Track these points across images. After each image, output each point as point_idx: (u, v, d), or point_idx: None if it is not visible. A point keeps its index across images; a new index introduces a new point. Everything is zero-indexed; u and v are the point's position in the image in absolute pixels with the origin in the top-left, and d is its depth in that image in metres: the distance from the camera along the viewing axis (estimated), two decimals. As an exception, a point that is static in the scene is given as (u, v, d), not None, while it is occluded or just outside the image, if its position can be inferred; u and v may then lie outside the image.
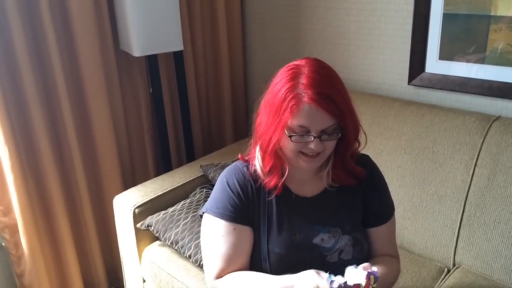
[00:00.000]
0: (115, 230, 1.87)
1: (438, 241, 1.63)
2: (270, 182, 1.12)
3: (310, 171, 1.15)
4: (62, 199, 1.89)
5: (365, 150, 1.79)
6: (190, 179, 1.91)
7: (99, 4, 1.89)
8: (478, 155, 1.56)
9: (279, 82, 1.04)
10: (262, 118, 1.08)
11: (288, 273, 1.08)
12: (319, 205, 1.16)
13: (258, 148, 1.13)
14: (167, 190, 1.82)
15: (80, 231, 2.01)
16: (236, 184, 1.14)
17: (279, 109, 1.02)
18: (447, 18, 1.75)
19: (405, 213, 1.70)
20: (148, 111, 2.18)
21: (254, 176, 1.14)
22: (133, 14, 1.81)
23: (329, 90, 1.00)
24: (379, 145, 1.78)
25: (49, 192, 1.85)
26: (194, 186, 1.88)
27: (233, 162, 1.23)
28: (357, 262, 1.12)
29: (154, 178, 1.93)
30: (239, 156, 1.20)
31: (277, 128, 1.03)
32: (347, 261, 1.12)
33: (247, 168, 1.16)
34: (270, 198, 1.13)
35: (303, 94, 0.99)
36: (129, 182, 2.11)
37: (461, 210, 1.57)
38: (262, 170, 1.13)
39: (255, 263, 1.14)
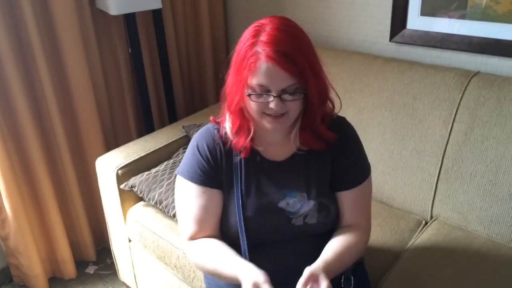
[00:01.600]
0: (99, 191, 1.88)
1: (417, 195, 1.67)
2: (238, 143, 1.12)
3: (277, 133, 1.13)
4: (44, 162, 1.88)
5: (347, 108, 1.82)
6: (173, 140, 1.91)
7: (72, -40, 1.82)
8: (456, 111, 1.58)
9: (242, 41, 1.02)
10: (228, 78, 1.07)
11: (258, 235, 1.13)
12: (287, 169, 1.16)
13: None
14: (150, 151, 1.82)
15: (63, 193, 2.01)
16: (206, 148, 1.15)
17: (240, 68, 1.01)
18: (429, -28, 1.74)
19: (385, 169, 1.73)
20: (128, 71, 2.14)
21: (224, 139, 1.14)
22: (108, -30, 1.75)
23: (289, 48, 0.97)
24: (360, 102, 1.79)
25: (30, 154, 1.84)
26: (177, 147, 1.88)
27: (206, 124, 1.23)
28: (323, 226, 1.15)
29: (137, 140, 1.92)
30: (211, 118, 1.19)
31: (239, 87, 1.02)
32: (312, 225, 1.13)
33: (218, 131, 1.16)
34: (237, 160, 1.14)
35: (261, 52, 0.97)
36: (111, 143, 2.10)
37: (439, 165, 1.61)
38: (231, 132, 1.13)
39: (225, 225, 1.17)
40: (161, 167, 1.73)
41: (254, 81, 0.99)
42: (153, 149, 1.83)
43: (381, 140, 1.73)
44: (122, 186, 1.70)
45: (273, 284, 1.01)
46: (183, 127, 1.95)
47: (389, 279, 1.38)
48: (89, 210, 2.11)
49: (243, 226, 1.13)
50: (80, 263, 2.17)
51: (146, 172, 1.70)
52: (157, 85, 2.27)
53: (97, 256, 2.21)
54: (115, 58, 2.09)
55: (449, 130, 1.59)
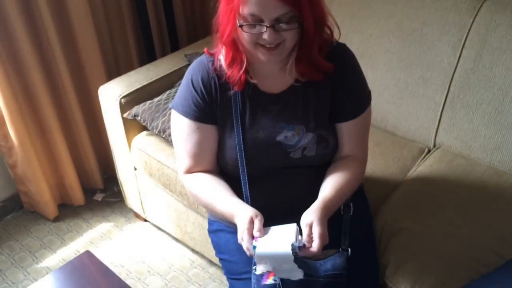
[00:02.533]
0: (103, 119, 1.88)
1: (421, 123, 1.67)
2: (233, 75, 1.08)
3: (273, 65, 1.09)
4: (46, 90, 1.86)
5: (353, 35, 1.76)
6: (175, 68, 1.87)
7: None
8: (466, 36, 1.53)
9: None
10: (220, 6, 1.01)
11: (255, 168, 1.12)
12: (284, 101, 1.13)
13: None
14: (152, 80, 1.80)
15: (67, 121, 2.02)
16: (200, 82, 1.11)
17: None
18: None
19: (390, 98, 1.71)
20: (128, -2, 2.06)
21: (219, 71, 1.11)
22: None
23: None
24: (367, 29, 1.73)
25: (32, 83, 1.82)
26: (179, 76, 1.83)
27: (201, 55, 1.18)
28: (321, 158, 1.15)
29: (138, 69, 1.89)
30: (205, 50, 1.14)
31: (230, 17, 0.98)
32: (310, 157, 1.13)
33: (212, 63, 1.12)
34: (231, 93, 1.11)
35: None
36: (112, 71, 2.07)
37: (445, 93, 1.59)
38: (225, 63, 1.09)
39: (222, 160, 1.17)
40: (163, 96, 1.71)
41: (245, 10, 0.94)
42: (156, 78, 1.80)
43: (388, 68, 1.70)
44: (125, 115, 1.70)
45: (272, 215, 1.03)
46: (185, 56, 1.91)
47: (389, 204, 1.41)
48: (94, 138, 2.12)
49: (244, 161, 1.12)
50: (88, 191, 2.22)
51: (149, 101, 1.69)
52: (158, 11, 2.20)
53: (104, 183, 2.26)
54: (113, -18, 2.01)
55: (457, 57, 1.56)
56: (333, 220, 1.09)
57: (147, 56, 2.15)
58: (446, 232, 1.27)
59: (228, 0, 0.97)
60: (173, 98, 1.67)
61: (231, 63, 1.08)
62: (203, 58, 1.15)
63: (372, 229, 1.31)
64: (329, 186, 1.10)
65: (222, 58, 1.10)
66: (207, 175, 1.17)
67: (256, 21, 0.95)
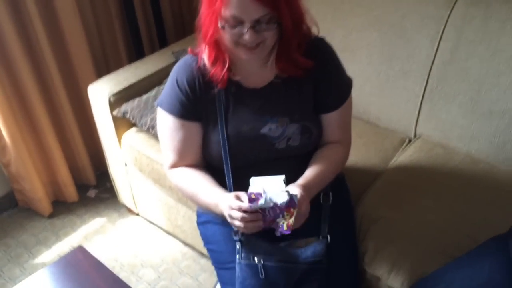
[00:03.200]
0: (94, 117, 1.92)
1: (402, 114, 1.72)
2: (215, 74, 1.12)
3: (254, 62, 1.13)
4: (37, 89, 1.90)
5: (335, 29, 1.80)
6: (163, 66, 1.91)
7: None
8: (443, 29, 1.58)
9: None
10: (202, 8, 1.05)
11: (240, 161, 1.17)
12: (267, 95, 1.17)
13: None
14: (141, 78, 1.84)
15: (59, 119, 2.05)
16: (185, 81, 1.15)
17: None
18: None
19: (372, 90, 1.76)
20: (115, -5, 2.09)
21: (203, 70, 1.14)
22: None
23: None
24: (349, 23, 1.78)
25: (22, 82, 1.85)
26: (167, 73, 1.82)
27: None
28: (305, 148, 1.20)
29: (127, 66, 1.93)
30: (189, 49, 1.18)
31: (212, 19, 1.01)
32: (294, 147, 1.18)
33: (196, 62, 1.15)
34: (215, 91, 1.15)
35: None
36: (102, 69, 2.11)
37: (424, 84, 1.64)
38: (209, 63, 1.13)
39: (207, 155, 1.21)
40: (152, 93, 1.76)
41: (227, 12, 0.98)
42: (144, 76, 1.84)
43: (369, 61, 1.75)
44: (114, 113, 1.74)
45: None
46: (172, 53, 1.95)
47: (370, 193, 1.47)
48: (86, 135, 2.16)
49: (227, 156, 1.16)
50: (81, 187, 2.27)
51: (138, 98, 1.74)
52: (146, 8, 2.23)
53: (97, 180, 2.30)
54: (100, -19, 2.04)
55: (435, 49, 1.60)
56: (313, 209, 1.15)
57: (136, 53, 2.19)
58: (423, 219, 1.33)
59: (210, 3, 1.00)
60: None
61: (214, 62, 1.12)
62: (187, 58, 1.18)
63: (353, 217, 1.36)
64: (312, 167, 1.17)
65: (205, 57, 1.14)
66: (191, 169, 1.21)
67: (237, 22, 0.99)
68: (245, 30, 0.99)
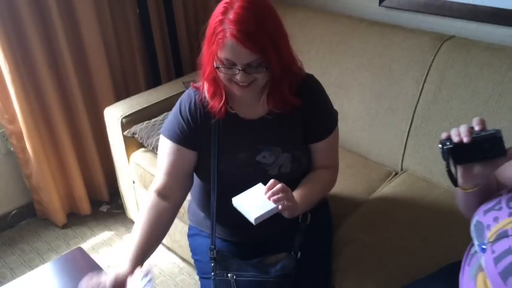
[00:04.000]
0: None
1: (390, 149, 1.83)
2: (214, 106, 1.24)
3: (248, 97, 1.24)
4: (61, 110, 2.11)
5: (332, 68, 1.95)
6: (174, 93, 2.10)
7: None
8: (428, 72, 1.71)
9: (214, 15, 1.11)
10: (203, 48, 1.17)
11: (234, 187, 1.19)
12: (261, 127, 1.28)
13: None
14: (152, 103, 2.04)
15: (79, 138, 2.26)
16: (187, 111, 1.27)
17: (211, 41, 1.10)
18: None
19: (363, 125, 1.89)
20: (137, 30, 2.32)
21: (204, 102, 1.26)
22: None
23: (253, 28, 1.06)
24: (344, 63, 1.93)
25: (48, 103, 2.07)
26: (176, 100, 2.07)
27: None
28: (295, 174, 1.31)
29: (141, 93, 2.14)
30: (191, 84, 1.31)
31: (210, 59, 1.13)
32: (285, 173, 1.28)
33: (198, 95, 1.27)
34: (214, 120, 1.25)
35: (227, 30, 1.06)
36: (122, 95, 2.31)
37: (410, 122, 1.76)
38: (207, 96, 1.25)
39: (205, 180, 1.32)
40: (160, 117, 1.94)
41: (222, 55, 1.09)
42: (155, 101, 2.04)
43: (361, 98, 1.88)
44: (125, 133, 1.92)
45: (247, 227, 1.16)
46: (183, 83, 2.14)
47: (350, 218, 1.57)
48: (102, 154, 2.35)
49: (215, 181, 1.28)
50: (95, 202, 2.44)
51: (147, 121, 1.92)
52: (164, 42, 2.45)
53: (110, 197, 2.47)
54: (125, 18, 2.27)
55: (420, 90, 1.73)
56: (289, 228, 1.28)
57: (153, 81, 2.40)
58: (394, 244, 1.43)
59: (208, 44, 1.12)
60: (168, 120, 1.90)
61: (213, 96, 1.24)
62: (190, 91, 1.31)
63: (330, 238, 1.47)
64: (301, 188, 1.27)
65: (205, 90, 1.25)
66: (159, 212, 1.27)
67: (230, 64, 1.11)
68: (237, 71, 1.11)
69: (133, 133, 1.90)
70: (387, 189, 1.72)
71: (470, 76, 1.62)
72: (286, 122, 1.28)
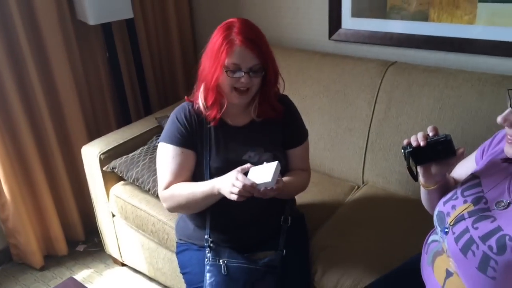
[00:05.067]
0: (85, 177, 2.19)
1: (351, 165, 2.02)
2: (211, 114, 1.45)
3: (240, 106, 1.48)
4: (36, 152, 2.18)
5: (292, 96, 2.13)
6: (147, 129, 2.23)
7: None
8: (377, 94, 1.94)
9: (216, 34, 1.38)
10: (205, 63, 1.40)
11: None
12: (247, 132, 1.51)
13: (201, 89, 1.45)
14: (128, 139, 2.15)
15: (54, 180, 2.32)
16: (183, 117, 1.48)
17: (218, 52, 1.34)
18: (355, -19, 2.09)
19: (325, 146, 2.08)
20: (107, 72, 2.46)
21: (198, 112, 1.48)
22: (85, -13, 2.07)
23: (255, 37, 1.35)
24: (303, 91, 2.14)
25: (24, 146, 2.14)
26: (151, 135, 2.21)
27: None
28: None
29: (115, 130, 2.25)
30: (185, 97, 1.54)
31: (217, 67, 1.35)
32: None
33: (192, 107, 1.49)
34: (209, 126, 1.47)
35: (235, 39, 1.33)
36: (93, 135, 2.41)
37: (366, 139, 1.97)
38: (204, 106, 1.46)
39: (200, 176, 1.49)
40: (137, 151, 2.05)
41: (230, 60, 1.33)
42: (130, 137, 2.15)
43: (321, 121, 2.08)
44: (104, 168, 2.01)
45: (237, 218, 1.42)
46: (156, 118, 2.27)
47: (323, 228, 1.73)
48: (77, 194, 2.41)
49: (209, 177, 1.45)
50: (71, 242, 2.47)
51: (125, 156, 2.02)
52: (133, 83, 2.60)
53: (86, 236, 2.51)
54: (94, 61, 2.41)
55: (372, 110, 1.95)
56: (274, 230, 1.48)
57: (123, 120, 2.51)
58: (363, 247, 1.59)
59: (215, 55, 1.35)
60: (145, 153, 2.02)
61: (212, 104, 1.44)
62: (184, 104, 1.52)
63: (308, 244, 1.63)
64: (287, 177, 1.51)
65: (200, 102, 1.46)
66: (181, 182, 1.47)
67: (237, 68, 1.35)
68: (242, 74, 1.35)
69: (113, 168, 1.99)
70: (352, 201, 1.89)
71: (414, 95, 1.85)
72: (267, 127, 1.53)
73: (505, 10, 1.75)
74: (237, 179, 1.27)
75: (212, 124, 1.48)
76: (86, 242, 2.52)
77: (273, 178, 1.26)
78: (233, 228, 1.50)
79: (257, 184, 1.27)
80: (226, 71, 1.35)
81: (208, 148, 1.48)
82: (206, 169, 1.47)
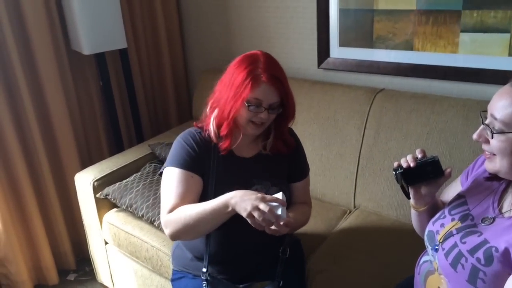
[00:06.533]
0: (77, 205, 2.19)
1: (342, 190, 2.06)
2: (224, 144, 1.43)
3: (251, 138, 1.47)
4: (28, 181, 2.19)
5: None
6: (140, 156, 2.25)
7: (50, 11, 2.19)
8: (366, 120, 1.99)
9: (240, 66, 1.35)
10: (222, 93, 1.38)
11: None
12: (254, 163, 1.50)
13: (213, 116, 1.42)
14: (121, 166, 2.16)
15: (46, 209, 2.31)
16: (193, 142, 1.45)
17: (241, 86, 1.32)
18: (342, 13, 2.17)
19: (317, 171, 2.11)
20: (100, 101, 2.49)
21: (207, 139, 1.45)
22: (80, 18, 2.12)
23: (279, 74, 1.36)
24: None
25: (16, 174, 2.15)
26: (144, 162, 2.23)
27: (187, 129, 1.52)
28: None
29: (109, 158, 2.26)
30: (194, 123, 1.51)
31: (237, 100, 1.33)
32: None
33: (201, 134, 1.47)
34: (219, 155, 1.44)
35: (261, 75, 1.32)
36: (86, 162, 2.42)
37: (357, 164, 2.01)
38: (215, 135, 1.43)
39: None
40: (131, 178, 2.06)
41: (252, 95, 1.32)
42: (124, 164, 2.17)
43: (312, 147, 2.12)
44: (98, 195, 2.02)
45: (236, 249, 1.38)
46: (149, 145, 2.30)
47: (317, 252, 1.75)
48: (69, 223, 2.41)
49: None
50: (62, 272, 2.45)
51: (118, 183, 2.04)
52: (125, 111, 2.63)
53: (77, 265, 2.49)
54: (88, 90, 2.44)
55: (362, 135, 2.00)
56: (271, 261, 1.47)
57: (116, 148, 2.53)
58: (356, 270, 1.61)
59: (236, 88, 1.33)
60: (139, 180, 2.04)
61: (227, 135, 1.42)
62: (190, 130, 1.49)
63: (304, 271, 1.64)
64: (292, 213, 1.48)
65: (211, 129, 1.43)
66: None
67: (258, 104, 1.34)
68: (263, 110, 1.35)
69: (106, 195, 2.00)
70: (344, 225, 1.92)
71: (402, 120, 1.91)
72: (273, 160, 1.52)
73: (485, 40, 1.83)
74: (261, 200, 1.22)
75: (222, 153, 1.45)
76: (77, 271, 2.49)
77: (282, 211, 1.25)
78: (231, 259, 1.49)
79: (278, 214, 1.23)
80: (248, 105, 1.34)
81: (214, 177, 1.44)
82: (209, 199, 1.38)
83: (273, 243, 1.53)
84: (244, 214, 1.23)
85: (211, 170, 1.45)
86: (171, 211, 1.38)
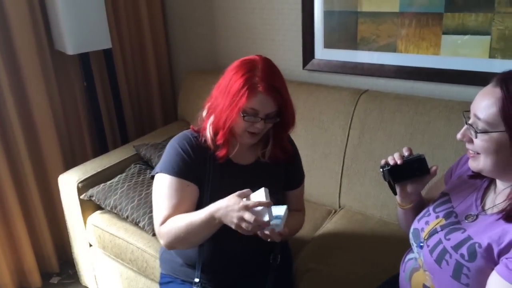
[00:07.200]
0: (60, 207, 2.16)
1: (327, 190, 2.08)
2: (221, 153, 1.37)
3: (247, 146, 1.42)
4: (10, 181, 2.14)
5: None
6: (125, 157, 2.23)
7: (33, 11, 2.16)
8: (351, 120, 2.02)
9: (237, 72, 1.28)
10: (218, 100, 1.32)
11: (224, 226, 1.26)
12: (251, 171, 1.46)
13: (210, 121, 1.36)
14: (106, 167, 2.14)
15: (29, 211, 2.28)
16: (188, 147, 1.38)
17: (237, 94, 1.25)
18: (327, 15, 2.19)
19: (302, 171, 2.13)
20: (84, 102, 2.47)
21: (203, 145, 1.38)
22: (64, 18, 2.10)
23: (278, 84, 1.28)
24: (280, 118, 2.19)
25: (-2, 176, 2.11)
26: (128, 163, 2.21)
27: (182, 132, 1.45)
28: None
29: (93, 159, 2.24)
30: (191, 126, 1.44)
31: (233, 109, 1.27)
32: None
33: (197, 139, 1.39)
34: (216, 163, 1.38)
35: (258, 85, 1.25)
36: (69, 164, 2.39)
37: (341, 164, 2.03)
38: (213, 142, 1.37)
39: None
40: (115, 179, 2.05)
41: (248, 105, 1.26)
42: (108, 165, 2.15)
43: (297, 147, 2.13)
44: (82, 196, 2.00)
45: (229, 258, 1.36)
46: (133, 146, 2.28)
47: (304, 252, 1.76)
48: (52, 225, 2.37)
49: None
50: (45, 275, 2.41)
51: (103, 184, 2.02)
52: (110, 112, 2.61)
53: (60, 268, 2.46)
54: (72, 90, 2.42)
55: (346, 136, 2.02)
56: (262, 267, 1.47)
57: (100, 149, 2.51)
58: (343, 269, 1.62)
59: (233, 97, 1.26)
60: (123, 181, 2.02)
61: (224, 143, 1.35)
62: (186, 133, 1.42)
63: (292, 270, 1.65)
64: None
65: (208, 135, 1.37)
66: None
67: (254, 114, 1.28)
68: (259, 120, 1.29)
69: (90, 196, 1.98)
70: (330, 224, 1.94)
71: (386, 121, 1.94)
72: (271, 168, 1.48)
73: (466, 42, 1.87)
74: (244, 209, 1.17)
75: (219, 161, 1.39)
76: (60, 274, 2.46)
77: (282, 221, 1.24)
78: (223, 268, 1.45)
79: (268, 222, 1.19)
80: (244, 116, 1.28)
81: (209, 185, 1.39)
82: (204, 207, 1.32)
83: (265, 249, 1.52)
84: (233, 227, 1.20)
85: (207, 177, 1.40)
86: (163, 222, 1.34)
